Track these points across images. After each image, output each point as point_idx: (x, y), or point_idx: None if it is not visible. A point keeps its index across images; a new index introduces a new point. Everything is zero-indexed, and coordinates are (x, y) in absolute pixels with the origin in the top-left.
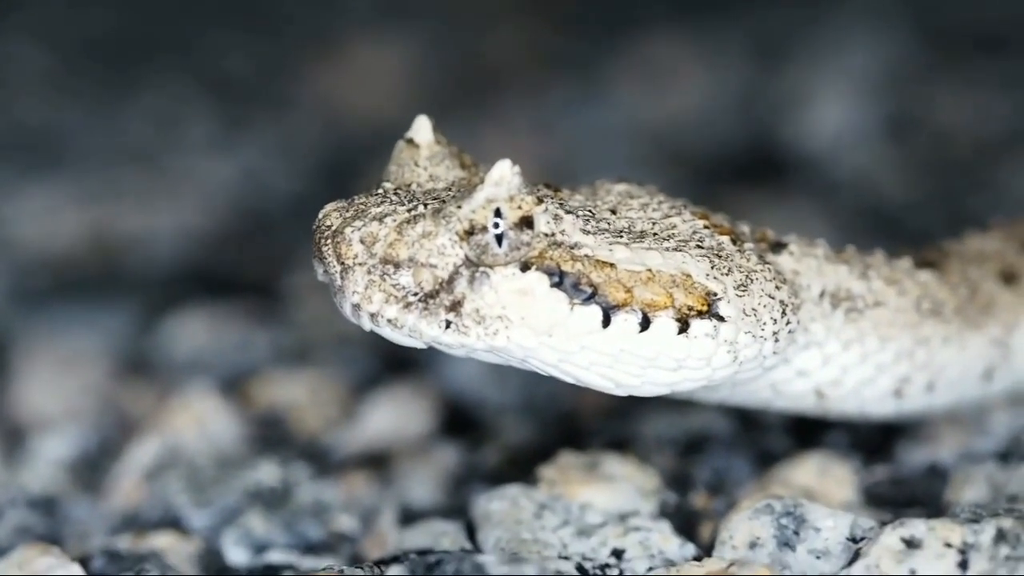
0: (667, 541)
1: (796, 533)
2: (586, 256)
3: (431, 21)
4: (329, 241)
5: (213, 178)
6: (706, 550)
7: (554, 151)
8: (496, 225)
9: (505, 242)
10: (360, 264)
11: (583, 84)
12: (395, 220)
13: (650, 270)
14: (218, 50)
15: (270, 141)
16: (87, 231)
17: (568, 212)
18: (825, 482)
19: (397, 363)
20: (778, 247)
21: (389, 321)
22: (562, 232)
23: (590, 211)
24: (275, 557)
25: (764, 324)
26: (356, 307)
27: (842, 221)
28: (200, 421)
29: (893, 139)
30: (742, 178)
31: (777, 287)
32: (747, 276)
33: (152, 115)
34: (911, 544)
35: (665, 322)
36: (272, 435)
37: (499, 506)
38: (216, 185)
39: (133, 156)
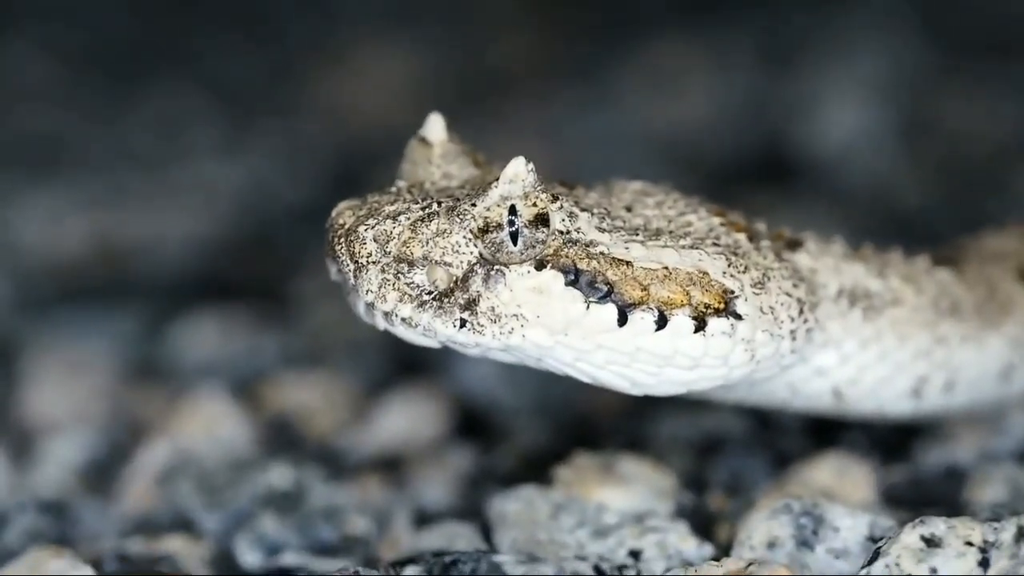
0: (684, 541)
1: (815, 533)
2: (602, 254)
3: (438, 27)
4: (342, 239)
5: (219, 184)
6: (723, 551)
7: (563, 157)
8: (511, 223)
9: (520, 240)
10: (374, 262)
11: (591, 89)
12: (409, 218)
13: (666, 268)
14: (223, 56)
15: (276, 147)
16: (93, 237)
17: (583, 210)
18: (843, 482)
19: (409, 365)
20: (795, 245)
21: (403, 320)
22: (577, 230)
23: (605, 209)
24: (289, 559)
25: (781, 322)
26: (370, 306)
27: (856, 225)
28: (210, 424)
29: (905, 143)
30: (754, 183)
31: (794, 285)
32: (764, 274)
33: (157, 121)
34: (931, 543)
35: (682, 320)
36: (284, 438)
37: (515, 507)
38: (222, 191)
39: (138, 162)
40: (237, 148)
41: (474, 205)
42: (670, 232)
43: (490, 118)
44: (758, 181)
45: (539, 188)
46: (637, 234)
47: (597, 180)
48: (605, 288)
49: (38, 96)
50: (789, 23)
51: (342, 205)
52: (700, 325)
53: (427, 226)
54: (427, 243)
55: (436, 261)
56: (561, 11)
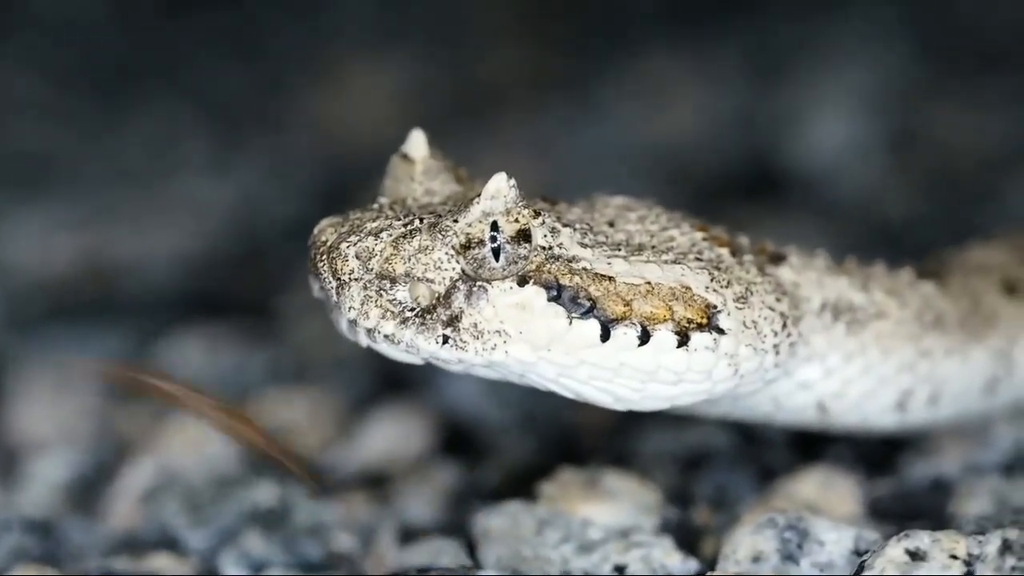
0: (669, 556)
1: (800, 547)
2: (584, 269)
3: (426, 42)
4: (324, 256)
5: (208, 201)
6: (709, 565)
7: (552, 171)
8: (493, 239)
9: (502, 256)
10: (356, 279)
11: (580, 103)
12: (391, 235)
13: (649, 283)
14: (212, 73)
15: (265, 164)
16: (82, 255)
17: (565, 225)
18: (828, 496)
19: (394, 382)
20: (778, 259)
21: (386, 337)
22: (560, 245)
23: (588, 224)
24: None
25: (765, 336)
26: (352, 323)
27: (844, 237)
28: (196, 442)
29: (894, 155)
30: (742, 196)
31: (777, 299)
32: (747, 288)
33: (146, 139)
34: (916, 556)
35: (664, 335)
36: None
37: (499, 523)
38: (211, 208)
39: (127, 180)
40: (226, 164)
41: (456, 221)
42: (652, 247)
43: (480, 133)
44: (747, 194)
45: (521, 204)
46: (619, 249)
47: (580, 195)
48: (588, 304)
49: (27, 113)
50: (777, 35)
51: (324, 222)
52: (683, 340)
53: (409, 243)
54: (409, 260)
55: (418, 278)
56: (550, 25)
